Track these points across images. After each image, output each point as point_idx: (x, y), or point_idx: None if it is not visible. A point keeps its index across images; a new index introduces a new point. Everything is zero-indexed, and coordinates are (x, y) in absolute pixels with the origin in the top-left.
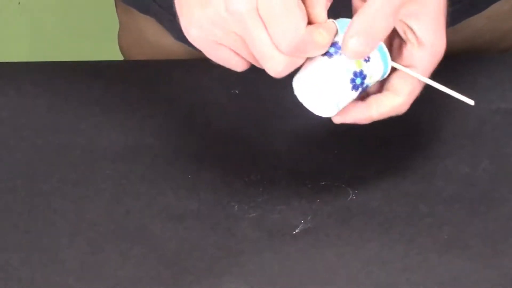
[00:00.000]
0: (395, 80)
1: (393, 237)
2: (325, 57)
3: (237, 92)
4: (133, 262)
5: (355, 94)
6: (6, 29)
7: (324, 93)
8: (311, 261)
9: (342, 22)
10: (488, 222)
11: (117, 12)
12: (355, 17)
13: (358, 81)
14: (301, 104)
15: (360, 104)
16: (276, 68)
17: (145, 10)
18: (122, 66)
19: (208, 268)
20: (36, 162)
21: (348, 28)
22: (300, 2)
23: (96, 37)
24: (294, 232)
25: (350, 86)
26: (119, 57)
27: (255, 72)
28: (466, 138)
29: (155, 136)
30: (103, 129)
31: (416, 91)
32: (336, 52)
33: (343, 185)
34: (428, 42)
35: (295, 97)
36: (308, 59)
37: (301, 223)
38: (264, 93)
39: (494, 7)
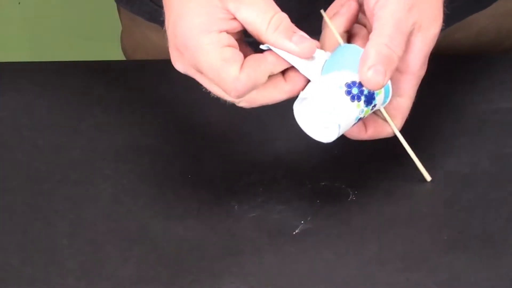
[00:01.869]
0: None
1: (393, 237)
2: (319, 77)
3: None
4: (133, 262)
5: (357, 106)
6: (6, 29)
7: (321, 110)
8: (311, 261)
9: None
10: (487, 222)
11: (119, 16)
12: (368, 48)
13: (354, 90)
14: None
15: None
16: (241, 106)
17: (151, 18)
18: (122, 66)
19: (208, 268)
20: (36, 162)
21: (363, 61)
22: (227, 52)
23: (96, 37)
24: (294, 232)
25: (348, 98)
26: (119, 57)
27: None
28: (466, 138)
29: (155, 136)
30: (103, 129)
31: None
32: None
33: (343, 185)
34: None
35: (294, 97)
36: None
37: (301, 223)
38: None
39: (498, 6)
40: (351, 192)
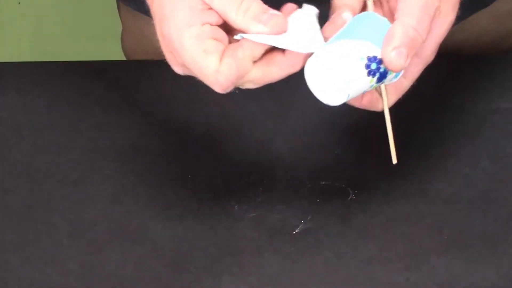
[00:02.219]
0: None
1: (393, 237)
2: (340, 41)
3: (237, 92)
4: (133, 262)
5: (370, 81)
6: (6, 29)
7: (337, 78)
8: (311, 261)
9: (365, 16)
10: (487, 222)
11: (120, 15)
12: (395, 27)
13: (373, 66)
14: (301, 104)
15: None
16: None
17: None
18: (122, 66)
19: (208, 268)
20: (36, 162)
21: (388, 40)
22: (208, 44)
23: (96, 37)
24: (294, 232)
25: (365, 72)
26: (119, 57)
27: None
28: (466, 138)
29: (155, 136)
30: (103, 129)
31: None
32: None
33: (343, 185)
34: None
35: (294, 97)
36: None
37: (301, 223)
38: (264, 93)
39: (499, 6)
40: (351, 192)
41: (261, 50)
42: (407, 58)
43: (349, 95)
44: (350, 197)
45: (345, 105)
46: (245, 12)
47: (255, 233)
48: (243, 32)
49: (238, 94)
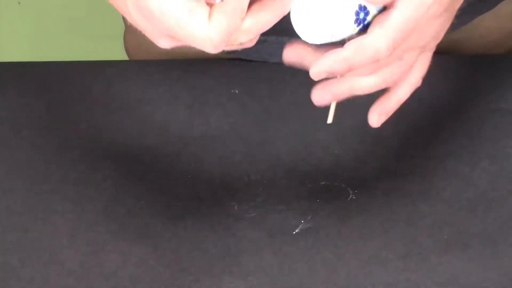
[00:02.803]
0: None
1: (393, 237)
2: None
3: (237, 92)
4: (133, 262)
5: (353, 29)
6: (6, 29)
7: (326, 17)
8: (311, 261)
9: None
10: (487, 222)
11: (122, 15)
12: None
13: (361, 15)
14: (301, 104)
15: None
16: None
17: None
18: (122, 66)
19: (208, 268)
20: (36, 162)
21: None
22: (194, 3)
23: (96, 36)
24: (294, 232)
25: (354, 18)
26: (119, 57)
27: (255, 72)
28: (466, 138)
29: (155, 136)
30: (103, 129)
31: (393, 33)
32: None
33: (343, 185)
34: None
35: (294, 97)
36: None
37: (301, 223)
38: (264, 93)
39: (501, 7)
40: (351, 192)
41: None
42: None
43: (332, 36)
44: (350, 197)
45: (345, 105)
46: None
47: (255, 233)
48: None
49: (238, 94)
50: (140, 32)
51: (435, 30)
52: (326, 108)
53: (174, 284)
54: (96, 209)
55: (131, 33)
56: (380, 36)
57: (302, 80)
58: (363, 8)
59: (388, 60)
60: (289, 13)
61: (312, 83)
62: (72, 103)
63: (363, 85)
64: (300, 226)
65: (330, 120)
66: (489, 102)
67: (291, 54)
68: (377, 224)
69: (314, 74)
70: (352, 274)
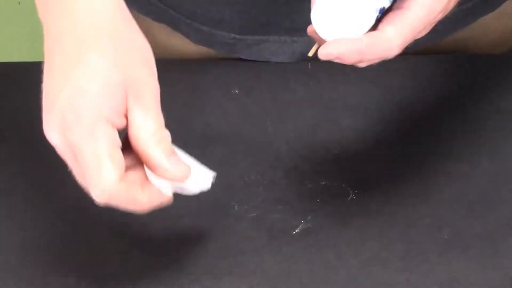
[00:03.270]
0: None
1: (393, 237)
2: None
3: (237, 92)
4: (133, 262)
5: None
6: (6, 29)
7: (349, 26)
8: (311, 261)
9: None
10: (487, 222)
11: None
12: None
13: (379, 16)
14: (301, 104)
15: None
16: (94, 198)
17: (159, 19)
18: None
19: (208, 268)
20: (36, 162)
21: None
22: (117, 154)
23: None
24: (294, 232)
25: (374, 22)
26: None
27: (255, 72)
28: (466, 138)
29: None
30: None
31: (406, 34)
32: None
33: (343, 185)
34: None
35: (294, 97)
36: None
37: (301, 223)
38: (264, 93)
39: (504, 6)
40: (351, 192)
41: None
42: None
43: (352, 34)
44: (350, 197)
45: (345, 105)
46: (158, 142)
47: (255, 233)
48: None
49: (238, 94)
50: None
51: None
52: (326, 109)
53: (174, 284)
54: (96, 209)
55: None
56: (397, 38)
57: (302, 80)
58: (382, 10)
59: None
60: (290, 12)
61: (312, 83)
62: None
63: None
64: (300, 226)
65: (311, 53)
66: (489, 102)
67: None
68: (377, 224)
69: (323, 54)
70: (352, 274)
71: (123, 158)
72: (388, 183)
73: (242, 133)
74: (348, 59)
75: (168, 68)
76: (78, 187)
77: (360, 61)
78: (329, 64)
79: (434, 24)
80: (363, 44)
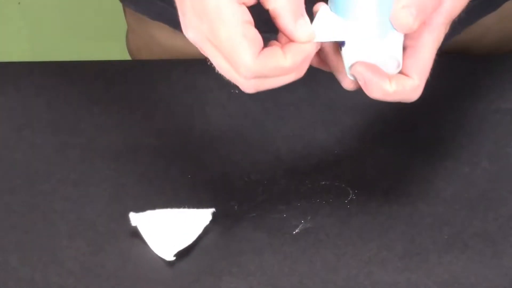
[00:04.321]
0: (406, 60)
1: (393, 237)
2: (377, 39)
3: (237, 92)
4: (133, 262)
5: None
6: (6, 29)
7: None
8: (311, 261)
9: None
10: (488, 222)
11: (125, 15)
12: None
13: None
14: (301, 104)
15: (381, 75)
16: (244, 89)
17: (157, 17)
18: (122, 66)
19: (208, 268)
20: (36, 162)
21: (398, 0)
22: (250, 30)
23: (96, 37)
24: (294, 232)
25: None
26: (119, 56)
27: None
28: (466, 138)
29: (155, 136)
30: (103, 129)
31: (426, 71)
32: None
33: (343, 185)
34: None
35: (294, 97)
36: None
37: (301, 223)
38: (264, 93)
39: (504, 7)
40: (351, 192)
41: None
42: (415, 19)
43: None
44: (350, 197)
45: (345, 105)
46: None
47: (255, 233)
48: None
49: (238, 94)
50: (143, 33)
51: None
52: (326, 109)
53: (174, 284)
54: (96, 209)
55: (134, 34)
56: (421, 85)
57: (302, 80)
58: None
59: None
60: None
61: (312, 84)
62: (72, 103)
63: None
64: (300, 226)
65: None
66: (489, 102)
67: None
68: (377, 224)
69: (356, 71)
70: (352, 274)
71: (258, 33)
72: (388, 183)
73: (242, 133)
74: (372, 90)
75: (169, 68)
76: (78, 187)
77: (382, 99)
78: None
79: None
80: (391, 89)
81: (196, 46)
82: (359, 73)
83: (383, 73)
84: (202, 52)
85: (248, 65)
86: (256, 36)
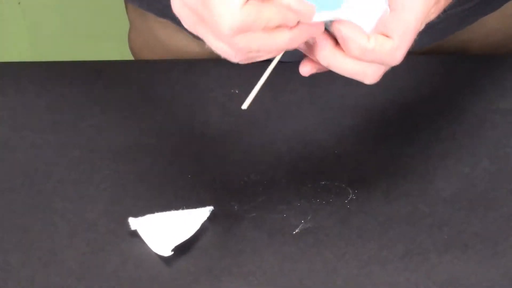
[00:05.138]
0: (387, 22)
1: (393, 237)
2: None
3: (237, 92)
4: (133, 262)
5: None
6: (6, 29)
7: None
8: (311, 261)
9: None
10: (488, 222)
11: (127, 13)
12: None
13: None
14: (301, 104)
15: (360, 32)
16: (232, 57)
17: (162, 14)
18: (122, 66)
19: (208, 268)
20: (36, 162)
21: None
22: None
23: (96, 36)
24: (294, 232)
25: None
26: (119, 57)
27: (255, 72)
28: (466, 138)
29: (155, 136)
30: (103, 129)
31: (408, 34)
32: None
33: (343, 185)
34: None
35: (294, 97)
36: None
37: (301, 223)
38: (264, 93)
39: (506, 7)
40: (351, 192)
41: (276, 23)
42: None
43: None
44: (350, 197)
45: (345, 105)
46: None
47: (255, 233)
48: None
49: (238, 94)
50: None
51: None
52: (326, 109)
53: (174, 284)
54: (96, 209)
55: (136, 33)
56: (400, 49)
57: (302, 80)
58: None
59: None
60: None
61: (312, 84)
62: (72, 103)
63: (344, 68)
64: (300, 226)
65: (245, 106)
66: (489, 102)
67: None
68: (377, 224)
69: (336, 28)
70: (352, 274)
71: None
72: (388, 183)
73: (242, 133)
74: (350, 47)
75: (169, 68)
76: (78, 187)
77: (360, 58)
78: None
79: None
80: (370, 45)
81: (181, 20)
82: (337, 29)
83: (362, 30)
84: (185, 25)
85: (236, 11)
86: None
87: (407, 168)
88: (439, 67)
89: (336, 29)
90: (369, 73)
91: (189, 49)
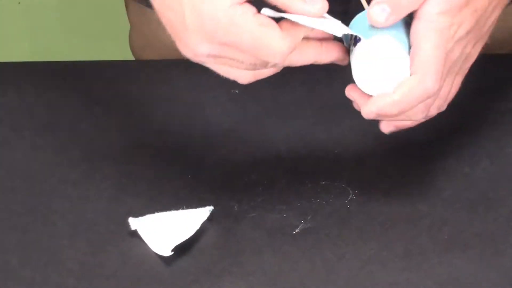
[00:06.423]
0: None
1: (393, 237)
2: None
3: (237, 92)
4: (133, 262)
5: None
6: (6, 29)
7: (384, 75)
8: (311, 261)
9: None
10: (488, 222)
11: (127, 13)
12: None
13: None
14: (301, 104)
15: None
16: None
17: None
18: (122, 66)
19: (208, 268)
20: (36, 162)
21: None
22: (262, 19)
23: (96, 36)
24: (294, 232)
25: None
26: (119, 57)
27: None
28: (466, 138)
29: (155, 136)
30: (103, 129)
31: (431, 63)
32: None
33: (343, 185)
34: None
35: (294, 97)
36: None
37: (301, 223)
38: (264, 93)
39: (509, 6)
40: (351, 192)
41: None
42: (389, 15)
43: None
44: (350, 197)
45: (345, 105)
46: None
47: (255, 233)
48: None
49: (238, 94)
50: (147, 30)
51: (463, 53)
52: (326, 109)
53: (174, 284)
54: (96, 209)
55: (137, 32)
56: (424, 75)
57: (302, 80)
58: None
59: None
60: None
61: (312, 84)
62: (72, 103)
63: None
64: (300, 226)
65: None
66: (489, 102)
67: (351, 93)
68: (377, 224)
69: (365, 113)
70: (352, 274)
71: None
72: (388, 183)
73: (242, 133)
74: (388, 113)
75: (170, 68)
76: (78, 187)
77: (402, 112)
78: (329, 64)
79: (464, 39)
80: (397, 95)
81: (206, 60)
82: (369, 113)
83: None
84: (213, 65)
85: (280, 44)
86: (269, 19)
87: (407, 168)
88: None
89: (368, 113)
90: (417, 112)
91: None
